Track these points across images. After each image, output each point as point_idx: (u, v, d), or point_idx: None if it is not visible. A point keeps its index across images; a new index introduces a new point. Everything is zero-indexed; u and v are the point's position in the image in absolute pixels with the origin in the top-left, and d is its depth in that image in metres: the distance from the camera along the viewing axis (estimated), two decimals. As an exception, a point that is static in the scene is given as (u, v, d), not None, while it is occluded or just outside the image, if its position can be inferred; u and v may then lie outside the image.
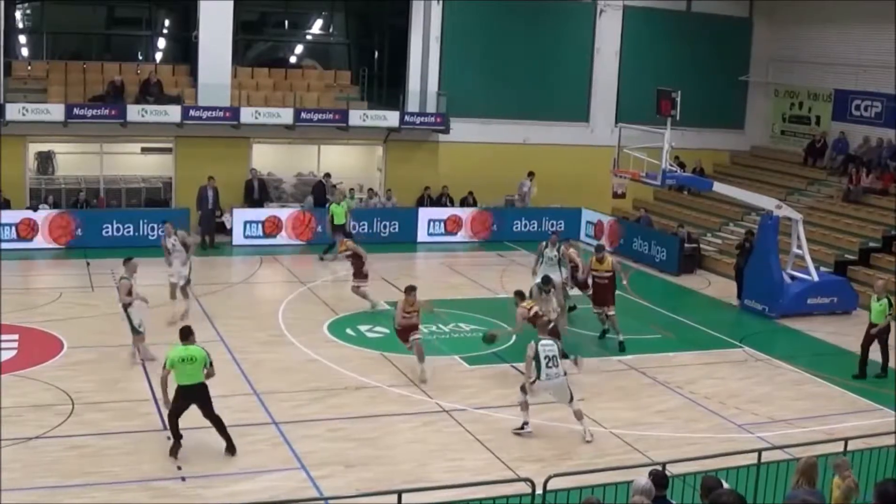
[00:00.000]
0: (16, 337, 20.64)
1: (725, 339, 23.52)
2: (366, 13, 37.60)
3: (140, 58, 36.30)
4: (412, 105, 35.15)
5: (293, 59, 38.43)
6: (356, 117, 33.60)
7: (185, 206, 31.76)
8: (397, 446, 16.01)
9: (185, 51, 35.31)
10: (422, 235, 33.48)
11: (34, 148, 33.16)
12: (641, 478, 10.66)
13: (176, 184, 33.55)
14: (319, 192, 33.30)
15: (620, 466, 13.36)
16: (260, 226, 31.66)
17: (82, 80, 32.78)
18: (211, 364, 15.07)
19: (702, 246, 32.16)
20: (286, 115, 32.78)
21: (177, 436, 14.83)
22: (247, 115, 32.36)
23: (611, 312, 22.02)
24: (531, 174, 35.21)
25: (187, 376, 14.78)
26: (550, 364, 16.31)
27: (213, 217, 31.38)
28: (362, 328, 22.53)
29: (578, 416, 16.57)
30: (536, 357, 16.30)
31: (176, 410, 14.82)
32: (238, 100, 33.00)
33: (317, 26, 38.98)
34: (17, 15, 35.23)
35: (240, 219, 31.60)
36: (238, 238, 31.48)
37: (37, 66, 34.44)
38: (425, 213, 33.89)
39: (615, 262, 22.63)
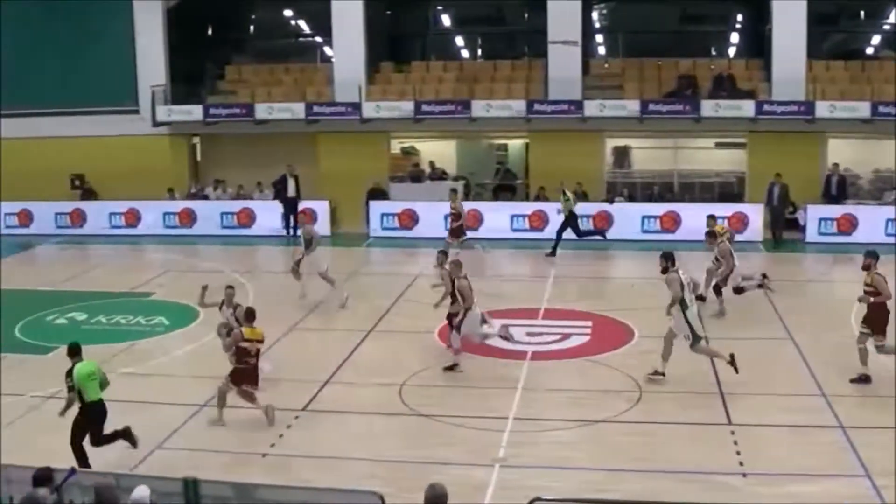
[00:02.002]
0: (589, 324, 21.56)
1: None
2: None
3: (713, 53, 36.56)
4: None
5: (870, 51, 36.81)
6: (943, 109, 31.50)
7: (757, 201, 31.55)
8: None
9: (759, 45, 35.02)
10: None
11: (611, 143, 34.61)
12: None
13: (749, 179, 33.39)
14: None
15: None
16: (834, 223, 30.69)
17: (656, 77, 33.65)
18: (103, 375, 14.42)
19: None
20: (863, 109, 31.42)
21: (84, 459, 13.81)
22: (822, 109, 31.40)
23: (878, 343, 17.52)
24: None
25: (94, 392, 14.08)
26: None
27: (781, 213, 30.98)
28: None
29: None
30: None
31: (82, 433, 14.00)
32: (813, 94, 32.16)
33: (893, 16, 37.03)
34: (594, 16, 36.83)
35: (814, 216, 30.83)
36: (812, 235, 30.74)
37: (613, 63, 35.95)
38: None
39: (878, 278, 17.51)
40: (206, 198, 35.30)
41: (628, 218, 31.37)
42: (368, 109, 33.55)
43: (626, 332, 20.86)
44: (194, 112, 34.89)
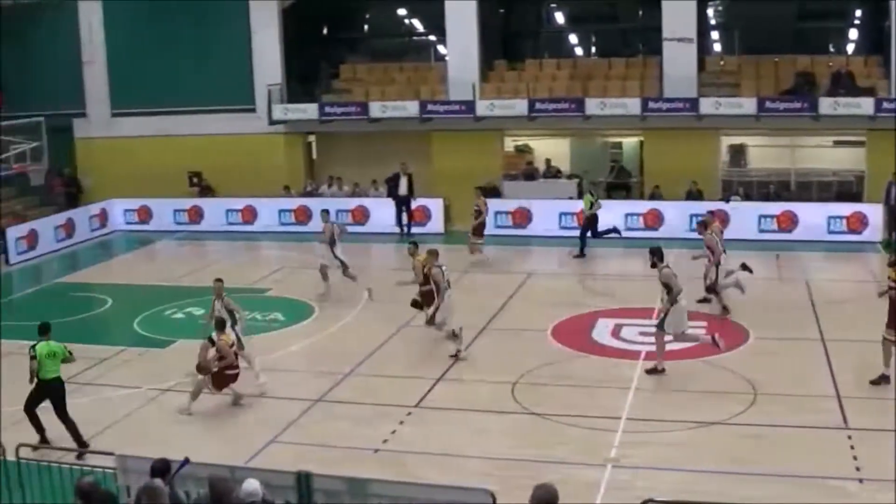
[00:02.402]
0: (704, 324, 21.29)
1: None
2: None
3: (831, 50, 35.83)
4: None
5: None
6: None
7: (876, 200, 30.83)
8: None
9: (878, 41, 34.15)
10: None
11: (726, 141, 34.16)
12: None
13: (868, 178, 32.62)
14: None
15: None
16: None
17: (773, 74, 33.11)
18: (70, 353, 15.56)
19: None
20: None
21: (40, 428, 15.29)
22: (941, 106, 30.56)
23: (889, 336, 16.80)
24: None
25: (50, 371, 15.21)
26: (448, 287, 19.68)
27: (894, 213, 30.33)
28: None
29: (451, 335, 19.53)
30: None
31: (33, 402, 15.31)
32: (933, 91, 31.32)
33: None
34: (710, 12, 36.39)
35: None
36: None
37: (729, 60, 35.47)
38: None
39: None
40: (321, 195, 35.71)
41: (744, 217, 30.83)
42: (482, 108, 33.60)
43: (742, 333, 20.59)
44: (309, 111, 35.32)
